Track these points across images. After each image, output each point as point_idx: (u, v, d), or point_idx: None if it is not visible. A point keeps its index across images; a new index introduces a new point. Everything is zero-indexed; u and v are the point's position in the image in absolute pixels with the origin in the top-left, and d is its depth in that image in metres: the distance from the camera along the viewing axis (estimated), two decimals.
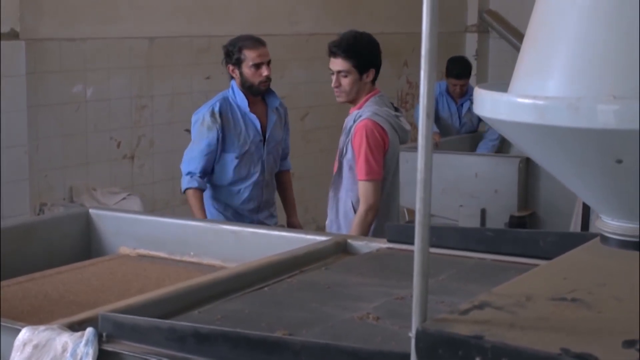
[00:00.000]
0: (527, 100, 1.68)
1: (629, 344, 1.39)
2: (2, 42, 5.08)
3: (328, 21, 7.36)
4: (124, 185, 5.92)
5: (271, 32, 6.84)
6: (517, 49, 8.62)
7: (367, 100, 4.09)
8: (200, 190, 4.35)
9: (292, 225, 4.63)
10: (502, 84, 1.89)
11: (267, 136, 4.47)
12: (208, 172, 4.39)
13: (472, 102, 6.77)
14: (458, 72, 6.95)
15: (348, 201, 4.13)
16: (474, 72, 7.49)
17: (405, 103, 8.57)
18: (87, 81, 5.74)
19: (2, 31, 5.12)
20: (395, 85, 8.41)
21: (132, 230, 3.48)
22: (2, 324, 2.20)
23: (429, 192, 1.40)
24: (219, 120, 4.33)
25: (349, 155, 4.09)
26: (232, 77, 4.45)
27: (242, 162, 4.40)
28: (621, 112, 1.57)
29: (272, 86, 4.56)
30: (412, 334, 1.48)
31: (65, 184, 5.63)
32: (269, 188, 4.53)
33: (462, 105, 7.04)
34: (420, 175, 1.39)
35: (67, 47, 5.61)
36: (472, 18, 9.21)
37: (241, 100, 4.40)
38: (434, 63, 1.35)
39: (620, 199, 1.74)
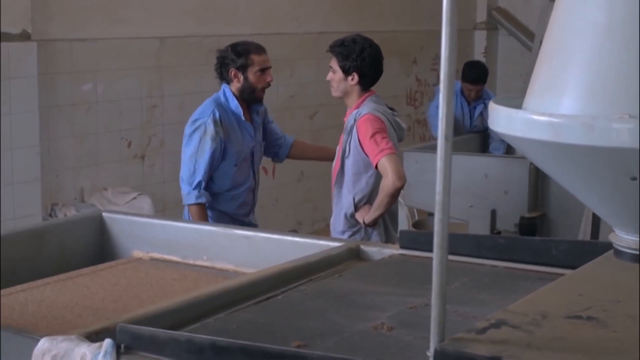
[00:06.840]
0: (542, 118, 1.70)
1: None
2: (14, 43, 5.11)
3: (337, 20, 7.37)
4: (135, 185, 5.96)
5: (280, 31, 6.87)
6: (526, 47, 8.70)
7: (364, 100, 4.22)
8: (205, 205, 4.30)
9: None
10: (516, 99, 1.90)
11: (256, 140, 4.48)
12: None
13: (485, 107, 6.76)
14: (475, 78, 6.89)
15: (349, 196, 4.21)
16: None
17: (414, 101, 8.57)
18: (98, 81, 5.77)
19: (13, 32, 5.15)
20: (404, 83, 8.41)
21: (146, 234, 3.49)
22: (21, 334, 2.23)
23: (447, 214, 1.41)
24: (221, 130, 4.25)
25: (352, 155, 4.17)
26: (226, 82, 4.39)
27: (240, 169, 4.37)
28: (636, 131, 1.58)
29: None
30: (430, 353, 1.50)
31: (76, 184, 5.67)
32: (256, 190, 4.55)
33: (474, 108, 7.02)
34: (438, 197, 1.41)
35: (77, 47, 5.64)
36: (481, 15, 9.22)
37: (236, 106, 4.34)
38: (452, 91, 1.37)
39: (634, 214, 1.75)
